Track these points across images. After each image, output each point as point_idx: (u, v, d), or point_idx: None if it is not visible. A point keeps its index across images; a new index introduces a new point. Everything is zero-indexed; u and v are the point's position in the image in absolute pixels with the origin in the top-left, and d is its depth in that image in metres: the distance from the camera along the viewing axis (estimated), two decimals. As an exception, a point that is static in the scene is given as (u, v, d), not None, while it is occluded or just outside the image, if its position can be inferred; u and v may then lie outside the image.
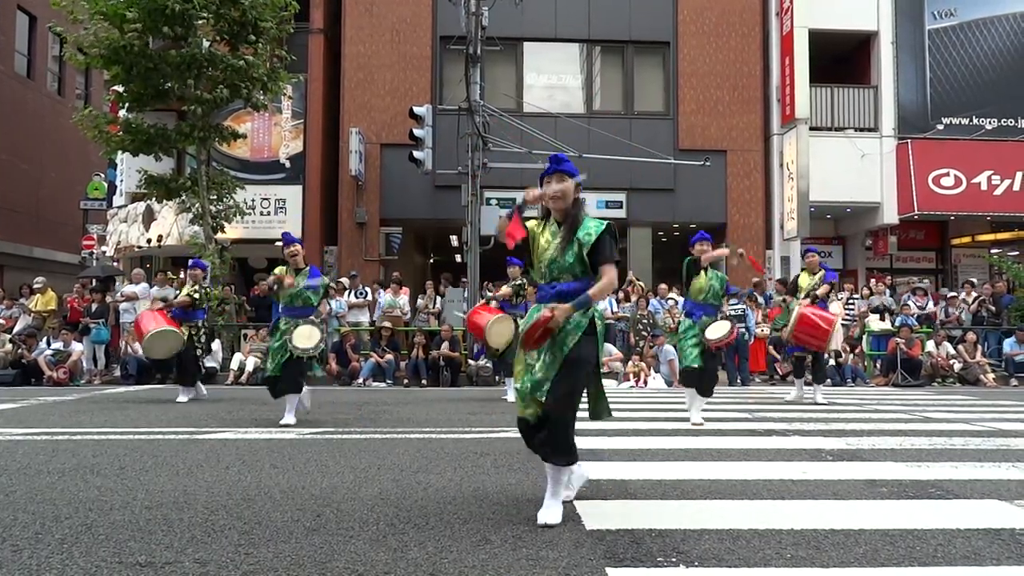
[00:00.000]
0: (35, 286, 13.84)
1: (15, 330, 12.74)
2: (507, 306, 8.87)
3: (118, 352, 12.71)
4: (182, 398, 8.59)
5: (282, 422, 6.36)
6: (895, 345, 12.40)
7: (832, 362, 12.40)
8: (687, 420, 6.46)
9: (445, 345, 12.22)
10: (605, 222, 3.24)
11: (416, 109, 13.60)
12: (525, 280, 8.71)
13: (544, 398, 3.09)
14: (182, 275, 11.52)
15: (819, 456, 4.85)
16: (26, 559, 2.59)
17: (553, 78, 17.06)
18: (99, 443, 5.27)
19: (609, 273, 3.16)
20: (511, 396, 8.63)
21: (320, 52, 16.64)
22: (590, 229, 3.18)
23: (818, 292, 8.65)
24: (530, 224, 3.32)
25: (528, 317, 3.25)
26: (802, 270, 9.32)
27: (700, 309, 6.65)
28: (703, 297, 6.65)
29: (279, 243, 10.33)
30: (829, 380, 12.13)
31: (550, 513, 3.08)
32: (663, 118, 16.86)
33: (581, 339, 3.11)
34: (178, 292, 9.34)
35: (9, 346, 12.09)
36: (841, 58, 17.89)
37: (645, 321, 12.76)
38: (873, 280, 15.12)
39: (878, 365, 13.02)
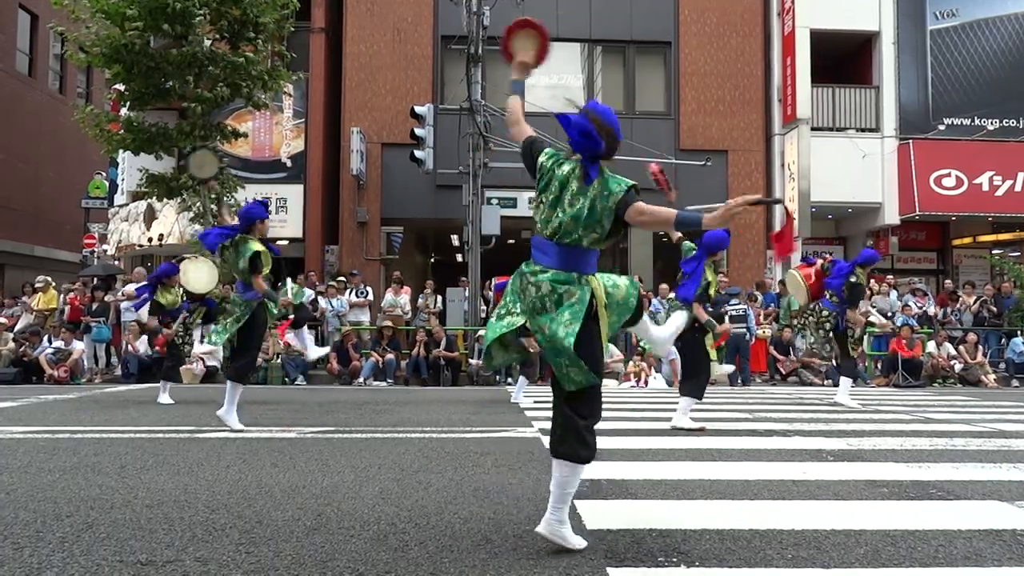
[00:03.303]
0: (36, 285, 13.85)
1: (16, 328, 12.75)
2: None
3: (119, 351, 12.72)
4: (164, 399, 8.12)
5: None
6: (896, 346, 12.39)
7: (833, 362, 12.39)
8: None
9: (443, 343, 12.23)
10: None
11: (417, 108, 13.60)
12: None
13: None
14: None
15: (820, 456, 4.84)
16: (27, 557, 2.60)
17: (554, 78, 17.05)
18: (100, 441, 5.27)
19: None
20: (516, 396, 8.59)
21: (321, 51, 16.64)
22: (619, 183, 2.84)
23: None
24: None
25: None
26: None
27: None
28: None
29: (281, 242, 10.29)
30: (830, 381, 12.14)
31: None
32: (664, 118, 16.86)
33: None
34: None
35: (12, 344, 12.10)
36: (842, 58, 17.87)
37: (646, 321, 12.75)
38: (874, 281, 15.10)
39: (879, 365, 13.02)
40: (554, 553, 2.67)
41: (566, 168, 2.88)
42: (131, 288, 13.06)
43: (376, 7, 16.61)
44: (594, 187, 2.79)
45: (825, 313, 8.32)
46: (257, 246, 6.08)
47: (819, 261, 8.64)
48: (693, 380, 6.27)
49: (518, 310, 2.84)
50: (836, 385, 11.96)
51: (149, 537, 2.84)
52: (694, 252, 6.20)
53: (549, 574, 2.46)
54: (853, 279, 8.13)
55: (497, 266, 14.28)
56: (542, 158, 2.97)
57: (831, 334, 8.38)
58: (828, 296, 8.33)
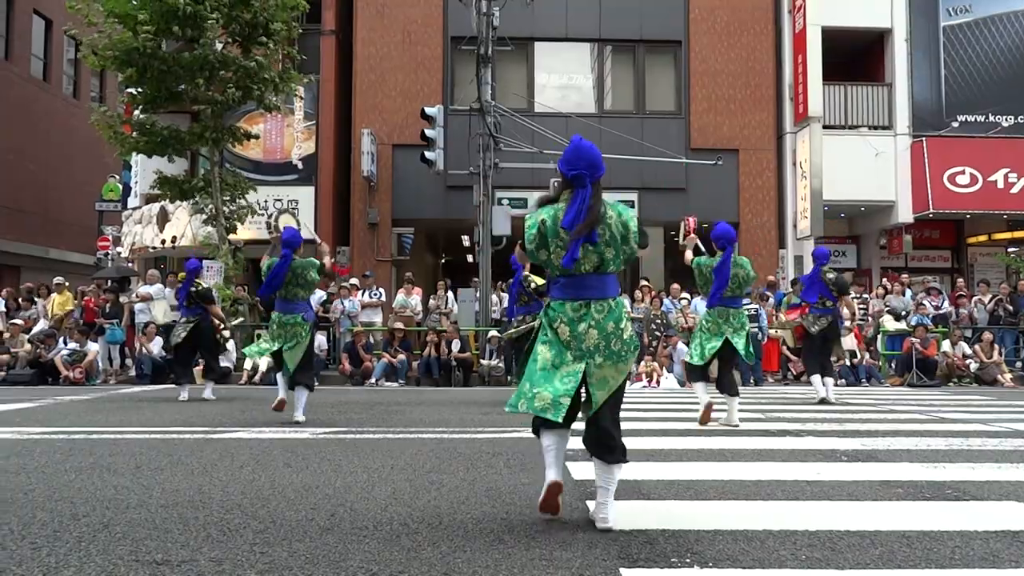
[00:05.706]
0: (55, 282, 13.99)
1: (33, 331, 12.87)
2: (520, 309, 8.74)
3: (133, 352, 12.82)
4: (208, 394, 8.81)
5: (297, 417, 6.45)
6: (910, 345, 12.28)
7: (847, 362, 12.32)
8: (697, 420, 6.42)
9: (456, 344, 12.24)
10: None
11: (428, 110, 13.63)
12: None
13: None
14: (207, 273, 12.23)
15: (834, 457, 4.81)
16: (45, 556, 2.62)
17: (564, 78, 17.03)
18: (115, 442, 5.31)
19: None
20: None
21: (332, 53, 16.71)
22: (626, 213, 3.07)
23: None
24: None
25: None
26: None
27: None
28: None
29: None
30: (843, 380, 12.06)
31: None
32: (675, 117, 16.81)
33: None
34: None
35: (28, 346, 12.23)
36: (855, 56, 17.75)
37: (658, 321, 12.73)
38: (887, 280, 14.98)
39: (893, 365, 12.92)
40: (567, 553, 2.67)
41: (546, 214, 3.02)
42: (144, 290, 13.18)
43: (386, 9, 16.66)
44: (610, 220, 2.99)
45: (814, 317, 8.59)
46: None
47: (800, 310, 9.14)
48: (729, 378, 6.53)
49: (569, 359, 2.97)
50: (850, 385, 11.94)
51: (164, 537, 2.86)
52: (716, 262, 6.42)
53: (562, 574, 2.46)
54: (832, 276, 8.54)
55: (508, 266, 14.30)
56: (533, 232, 3.04)
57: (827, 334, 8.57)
58: (816, 305, 8.57)
